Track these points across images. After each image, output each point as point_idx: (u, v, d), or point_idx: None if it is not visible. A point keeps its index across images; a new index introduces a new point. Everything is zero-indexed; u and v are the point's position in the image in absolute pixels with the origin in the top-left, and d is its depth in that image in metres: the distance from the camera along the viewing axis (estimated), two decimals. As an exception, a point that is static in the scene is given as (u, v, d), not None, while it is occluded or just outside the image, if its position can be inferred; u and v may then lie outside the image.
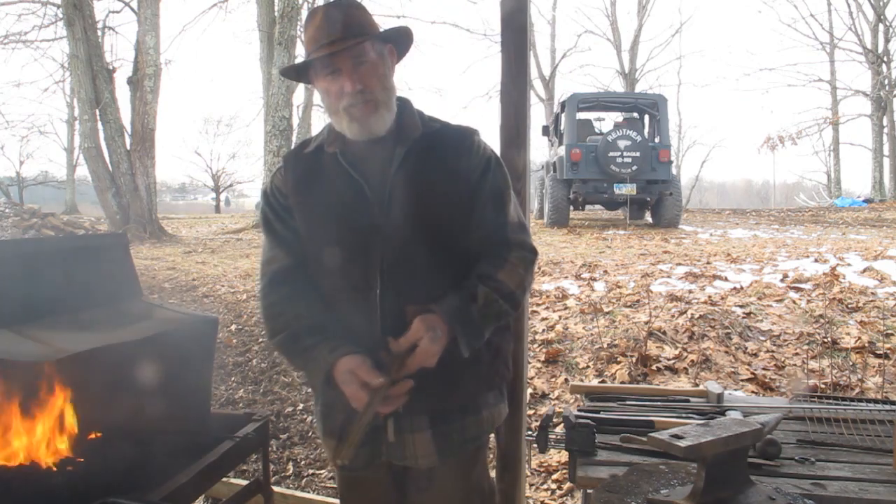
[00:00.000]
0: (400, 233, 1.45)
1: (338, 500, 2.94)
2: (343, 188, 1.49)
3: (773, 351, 4.00)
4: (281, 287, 1.53)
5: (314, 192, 1.52)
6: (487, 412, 1.58)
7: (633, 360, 3.86)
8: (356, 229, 1.47)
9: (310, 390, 4.18)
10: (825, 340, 4.01)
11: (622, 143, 10.76)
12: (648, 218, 12.34)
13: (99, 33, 11.70)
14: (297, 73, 1.53)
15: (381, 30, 1.50)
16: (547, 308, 4.89)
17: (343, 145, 1.50)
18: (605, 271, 5.99)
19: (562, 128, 11.84)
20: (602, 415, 1.85)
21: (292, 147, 1.71)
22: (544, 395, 3.70)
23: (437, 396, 1.47)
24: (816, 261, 6.21)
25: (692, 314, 4.40)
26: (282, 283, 1.53)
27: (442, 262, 1.49)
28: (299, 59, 2.26)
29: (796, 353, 3.93)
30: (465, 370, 1.49)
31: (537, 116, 26.68)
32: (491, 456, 2.02)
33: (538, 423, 1.71)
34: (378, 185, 1.47)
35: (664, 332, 4.20)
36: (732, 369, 3.79)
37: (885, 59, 22.27)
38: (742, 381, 3.68)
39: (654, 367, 3.84)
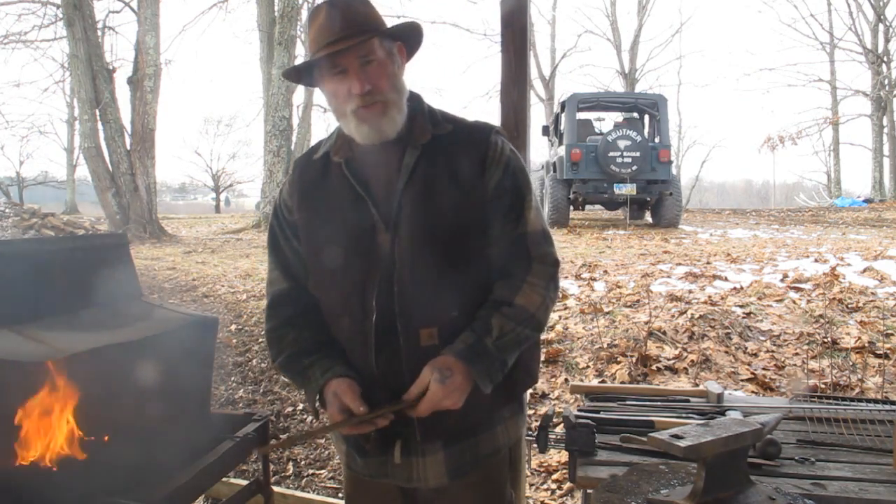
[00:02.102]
0: (408, 256, 1.36)
1: (337, 500, 2.95)
2: (347, 206, 1.41)
3: (773, 351, 4.00)
4: (282, 310, 1.50)
5: (319, 208, 1.45)
6: (503, 426, 1.51)
7: (633, 360, 3.86)
8: (359, 252, 1.39)
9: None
10: (825, 340, 4.01)
11: (622, 143, 10.78)
12: (648, 218, 12.35)
13: (99, 33, 11.74)
14: (299, 75, 1.45)
15: (389, 26, 1.41)
16: (547, 308, 4.89)
17: (350, 152, 1.43)
18: (605, 271, 5.99)
19: (562, 128, 11.85)
20: (602, 415, 1.85)
21: (304, 151, 1.58)
22: (544, 395, 3.70)
23: (453, 417, 1.36)
24: (816, 261, 6.21)
25: (692, 314, 4.40)
26: (282, 305, 1.51)
27: (458, 284, 1.39)
28: (300, 60, 2.20)
29: (796, 353, 3.93)
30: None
31: (537, 116, 26.76)
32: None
33: (538, 423, 1.70)
34: (384, 203, 1.39)
35: (664, 332, 4.20)
36: (732, 369, 3.79)
37: (885, 59, 22.30)
38: (742, 381, 3.68)
39: (654, 367, 3.83)
